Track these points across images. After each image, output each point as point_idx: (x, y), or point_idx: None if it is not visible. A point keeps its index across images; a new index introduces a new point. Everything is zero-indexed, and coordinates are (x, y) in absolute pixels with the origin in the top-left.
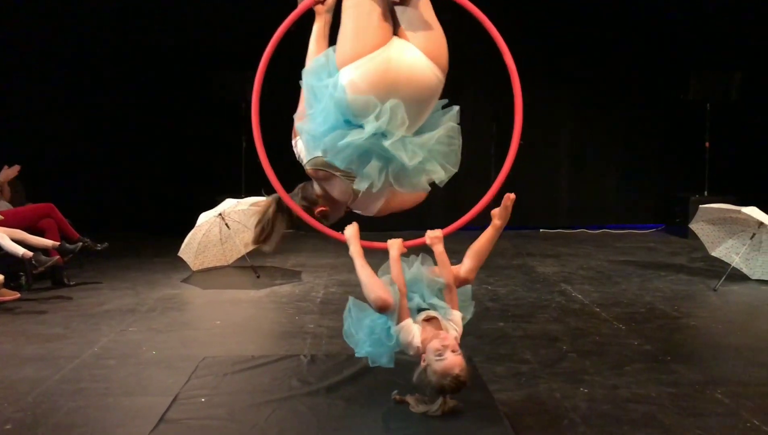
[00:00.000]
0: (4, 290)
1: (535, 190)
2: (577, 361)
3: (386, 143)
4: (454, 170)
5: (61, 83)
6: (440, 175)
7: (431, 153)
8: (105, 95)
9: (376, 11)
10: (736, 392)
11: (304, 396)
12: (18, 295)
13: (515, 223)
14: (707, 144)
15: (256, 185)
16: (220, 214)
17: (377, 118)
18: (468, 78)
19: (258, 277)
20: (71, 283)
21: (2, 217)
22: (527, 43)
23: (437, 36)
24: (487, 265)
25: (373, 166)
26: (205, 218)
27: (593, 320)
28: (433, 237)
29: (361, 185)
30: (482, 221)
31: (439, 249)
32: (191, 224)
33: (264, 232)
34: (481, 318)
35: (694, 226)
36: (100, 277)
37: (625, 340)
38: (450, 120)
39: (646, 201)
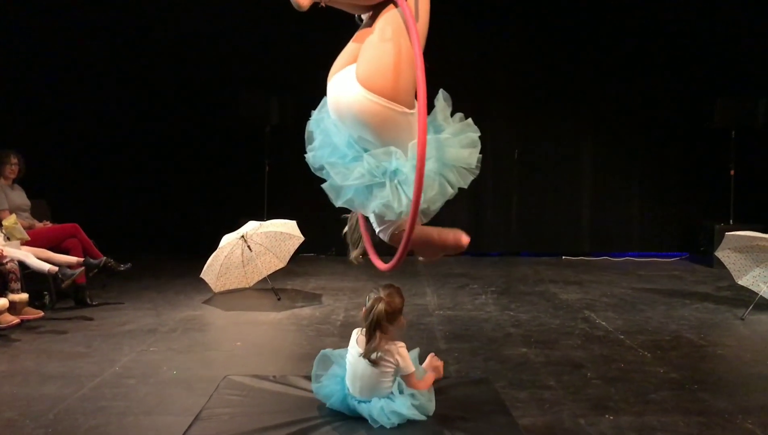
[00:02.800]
0: (28, 309)
1: (557, 216)
2: (601, 388)
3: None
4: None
5: (88, 106)
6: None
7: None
8: (129, 117)
9: (357, 31)
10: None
11: (327, 416)
12: (41, 313)
13: (537, 249)
14: (732, 171)
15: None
16: (242, 237)
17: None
18: (491, 104)
19: (279, 299)
20: (94, 303)
21: (29, 238)
22: (552, 71)
23: (374, 58)
24: (509, 291)
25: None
26: (228, 240)
27: (618, 347)
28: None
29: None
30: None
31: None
32: (214, 246)
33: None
34: (503, 344)
35: (720, 253)
36: (122, 298)
37: (650, 368)
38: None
39: (670, 229)
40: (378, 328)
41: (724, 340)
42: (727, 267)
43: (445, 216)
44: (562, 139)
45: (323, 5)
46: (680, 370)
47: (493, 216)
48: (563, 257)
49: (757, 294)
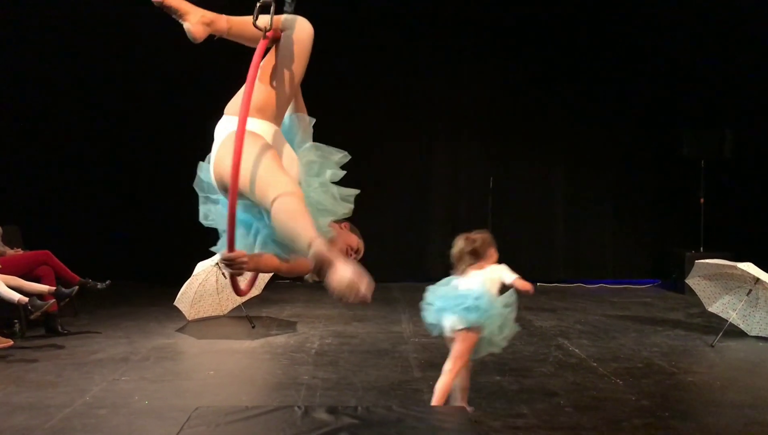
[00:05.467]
0: None
1: (531, 244)
2: (574, 416)
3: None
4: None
5: (61, 130)
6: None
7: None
8: (103, 142)
9: None
10: None
11: None
12: (11, 342)
13: None
14: (702, 200)
15: None
16: (217, 264)
17: None
18: (465, 133)
19: (253, 327)
20: (65, 332)
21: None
22: (526, 100)
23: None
24: None
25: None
26: (202, 267)
27: (590, 375)
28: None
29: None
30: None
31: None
32: (188, 273)
33: None
34: (477, 372)
35: (691, 281)
36: (94, 326)
37: (622, 396)
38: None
39: (642, 256)
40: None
41: (694, 368)
42: (698, 294)
43: (423, 245)
44: (536, 167)
45: (217, 38)
46: (651, 398)
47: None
48: (538, 284)
49: (727, 321)
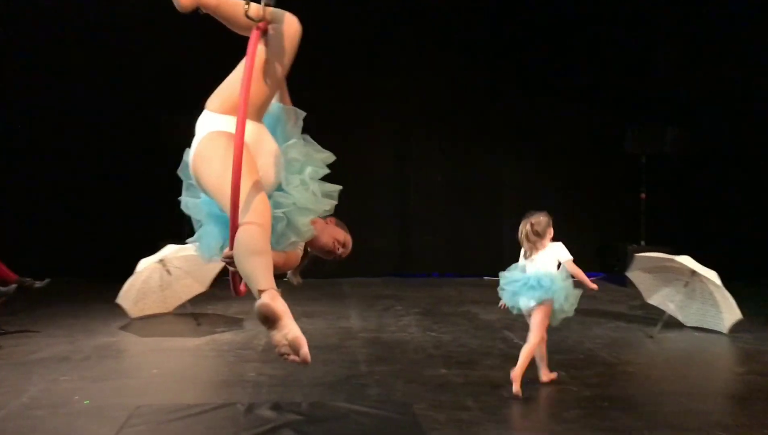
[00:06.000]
0: None
1: (479, 238)
2: (517, 408)
3: None
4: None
5: None
6: None
7: None
8: (43, 133)
9: None
10: None
11: None
12: None
13: (461, 270)
14: (643, 195)
15: None
16: (161, 260)
17: None
18: (416, 130)
19: (199, 324)
20: (2, 331)
21: None
22: (475, 99)
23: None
24: (433, 313)
25: None
26: (146, 264)
27: (534, 367)
28: None
29: None
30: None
31: None
32: (131, 270)
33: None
34: (424, 365)
35: (631, 274)
36: (34, 324)
37: (565, 387)
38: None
39: (586, 250)
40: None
41: (634, 358)
42: (638, 286)
43: (373, 240)
44: (483, 163)
45: (203, 12)
46: (592, 389)
47: (420, 238)
48: (485, 278)
49: (665, 313)
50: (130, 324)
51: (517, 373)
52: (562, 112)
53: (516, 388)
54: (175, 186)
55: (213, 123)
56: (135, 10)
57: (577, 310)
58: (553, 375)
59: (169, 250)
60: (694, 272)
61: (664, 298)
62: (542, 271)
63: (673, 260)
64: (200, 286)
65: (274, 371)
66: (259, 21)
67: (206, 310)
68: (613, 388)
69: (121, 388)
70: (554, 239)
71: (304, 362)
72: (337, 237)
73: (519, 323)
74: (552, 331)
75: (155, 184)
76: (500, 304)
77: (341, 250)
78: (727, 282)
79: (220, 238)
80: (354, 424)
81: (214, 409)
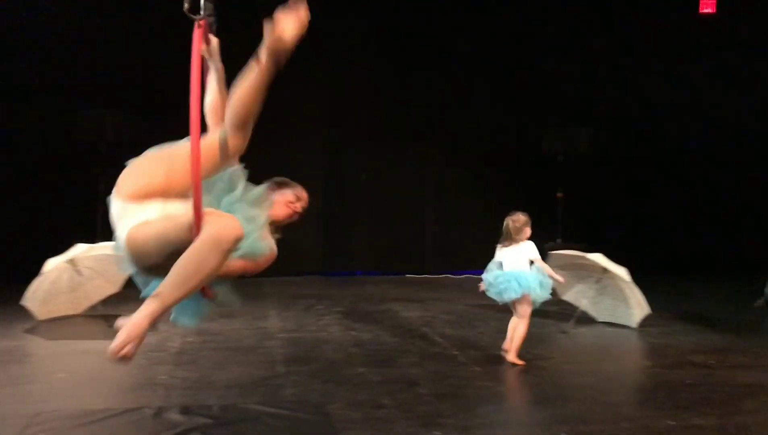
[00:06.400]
0: None
1: (403, 237)
2: (433, 405)
3: None
4: None
5: None
6: None
7: None
8: None
9: None
10: (579, 430)
11: None
12: None
13: (384, 268)
14: (559, 194)
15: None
16: (70, 260)
17: None
18: (339, 130)
19: (110, 326)
20: None
21: None
22: (399, 101)
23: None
24: (354, 311)
25: None
26: (54, 264)
27: (451, 363)
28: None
29: None
30: None
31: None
32: (37, 270)
33: None
34: (343, 364)
35: None
36: None
37: (480, 383)
38: None
39: None
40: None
41: (548, 353)
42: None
43: (295, 238)
44: (408, 164)
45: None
46: (507, 384)
47: (342, 237)
48: (407, 276)
49: (578, 308)
50: (36, 326)
51: (508, 345)
52: (482, 115)
53: (511, 357)
54: (82, 184)
55: (138, 214)
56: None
57: (492, 307)
58: (520, 362)
59: (79, 250)
60: (605, 269)
61: (577, 295)
62: (517, 270)
63: (585, 258)
64: (112, 287)
65: (187, 374)
66: (200, 19)
67: (119, 312)
68: (527, 383)
69: (24, 394)
70: (485, 236)
71: (123, 359)
72: (288, 201)
73: (439, 320)
74: (470, 328)
75: (62, 181)
76: (480, 287)
77: (300, 205)
78: (637, 278)
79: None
80: (265, 426)
81: (119, 414)
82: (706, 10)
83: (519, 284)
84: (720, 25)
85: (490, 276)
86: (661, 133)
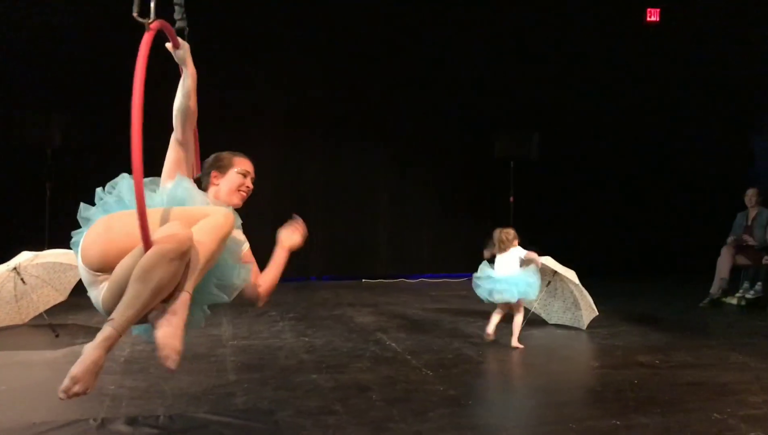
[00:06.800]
0: None
1: (357, 242)
2: (384, 410)
3: None
4: None
5: None
6: None
7: None
8: None
9: None
10: (529, 432)
11: None
12: None
13: (339, 273)
14: (512, 198)
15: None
16: (14, 268)
17: None
18: (295, 134)
19: (57, 335)
20: None
21: None
22: (355, 105)
23: None
24: (307, 317)
25: None
26: None
27: (403, 368)
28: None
29: None
30: None
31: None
32: None
33: None
34: (294, 371)
35: None
36: None
37: (432, 386)
38: None
39: (458, 251)
40: (505, 243)
41: (499, 356)
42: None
43: (251, 243)
44: (362, 169)
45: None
46: (458, 387)
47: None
48: (363, 280)
49: (529, 311)
50: None
51: (491, 330)
52: (436, 120)
53: (514, 342)
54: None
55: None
56: None
57: (446, 311)
58: (520, 345)
59: (24, 258)
60: (555, 272)
61: None
62: (510, 274)
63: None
64: (59, 295)
65: (135, 383)
66: (150, 23)
67: (66, 321)
68: (477, 386)
69: None
70: (439, 240)
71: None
72: (237, 186)
73: (393, 325)
74: (423, 332)
75: (11, 188)
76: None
77: (250, 180)
78: (585, 280)
79: None
80: (213, 434)
81: (62, 427)
82: (651, 19)
83: (517, 291)
84: (663, 33)
85: (488, 283)
86: (609, 135)
